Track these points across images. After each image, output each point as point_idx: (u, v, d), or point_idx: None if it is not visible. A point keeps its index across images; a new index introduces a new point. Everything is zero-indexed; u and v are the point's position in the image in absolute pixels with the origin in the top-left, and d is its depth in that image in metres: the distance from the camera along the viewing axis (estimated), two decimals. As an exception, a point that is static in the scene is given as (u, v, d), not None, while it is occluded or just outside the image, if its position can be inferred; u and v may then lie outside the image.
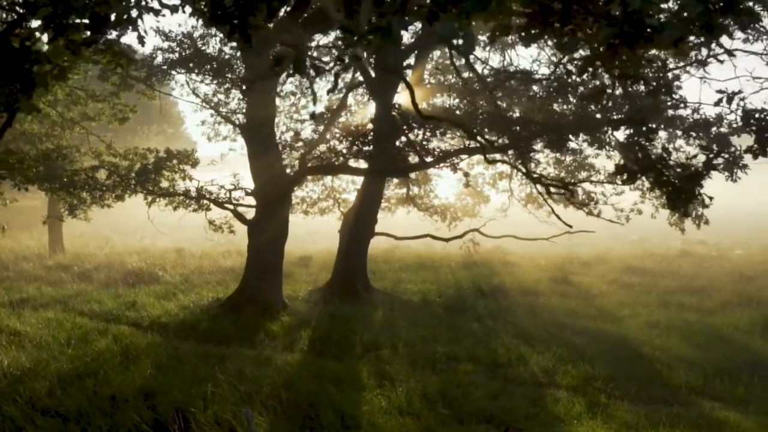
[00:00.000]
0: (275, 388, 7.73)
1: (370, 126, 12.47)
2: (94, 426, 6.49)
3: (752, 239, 29.61)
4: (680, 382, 8.71)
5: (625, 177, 4.05)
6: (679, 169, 3.79)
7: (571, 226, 12.85)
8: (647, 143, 3.65)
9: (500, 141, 10.62)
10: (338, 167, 12.87)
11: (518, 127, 10.03)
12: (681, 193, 3.62)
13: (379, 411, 7.14)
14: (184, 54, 14.41)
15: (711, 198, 15.49)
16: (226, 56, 14.27)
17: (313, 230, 29.72)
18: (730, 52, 6.82)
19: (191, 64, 14.32)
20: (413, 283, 17.33)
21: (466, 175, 12.42)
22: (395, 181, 21.58)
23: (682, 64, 10.26)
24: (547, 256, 22.22)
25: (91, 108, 15.69)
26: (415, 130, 11.80)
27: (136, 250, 22.42)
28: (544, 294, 15.68)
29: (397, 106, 12.00)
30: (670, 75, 12.48)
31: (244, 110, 13.93)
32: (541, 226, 19.54)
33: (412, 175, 20.64)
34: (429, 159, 11.19)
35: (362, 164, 14.65)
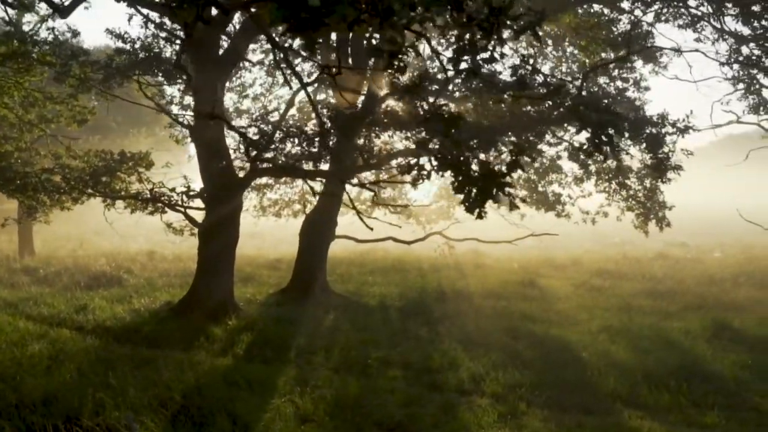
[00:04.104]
0: (185, 394, 7.60)
1: (315, 127, 12.34)
2: (-21, 434, 6.36)
3: (738, 241, 29.21)
4: (608, 389, 8.51)
5: (415, 176, 3.87)
6: (477, 168, 3.62)
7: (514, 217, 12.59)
8: (448, 140, 3.48)
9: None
10: (288, 169, 12.74)
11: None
12: (482, 193, 3.46)
13: (281, 418, 7.00)
14: (138, 56, 14.38)
15: (670, 207, 15.33)
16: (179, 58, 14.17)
17: (296, 233, 29.62)
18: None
19: (146, 67, 14.29)
20: (378, 285, 17.16)
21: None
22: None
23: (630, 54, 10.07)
24: (522, 259, 22.01)
25: (49, 110, 15.64)
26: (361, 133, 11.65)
27: (105, 252, 22.36)
28: (506, 297, 15.46)
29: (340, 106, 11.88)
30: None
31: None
32: (515, 229, 19.39)
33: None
34: (373, 161, 11.03)
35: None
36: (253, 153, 11.92)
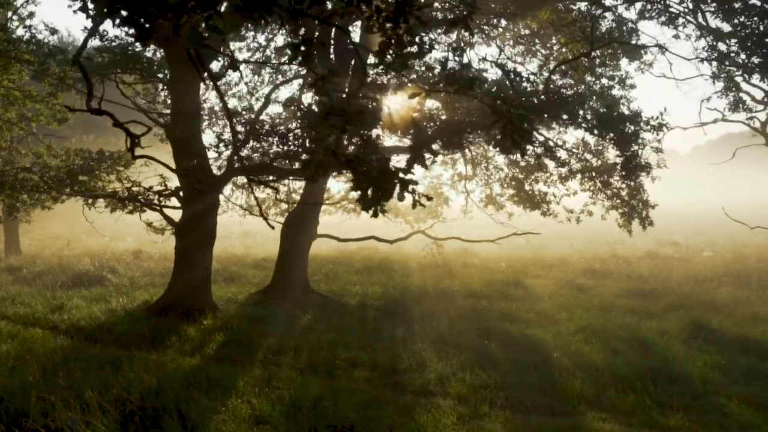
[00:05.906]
0: (143, 395, 7.51)
1: (295, 124, 12.25)
2: None
3: (731, 240, 28.98)
4: (574, 391, 8.38)
5: (312, 172, 3.76)
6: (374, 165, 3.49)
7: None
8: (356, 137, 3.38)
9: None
10: (265, 167, 12.64)
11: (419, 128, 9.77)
12: (381, 192, 3.36)
13: (235, 419, 6.89)
14: (117, 55, 14.29)
15: (653, 206, 15.15)
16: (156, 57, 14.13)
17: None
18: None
19: (123, 66, 14.20)
20: (362, 285, 17.07)
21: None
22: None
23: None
24: (510, 259, 21.87)
25: (29, 108, 15.56)
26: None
27: (91, 252, 22.29)
28: (488, 297, 15.34)
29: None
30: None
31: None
32: (503, 229, 19.27)
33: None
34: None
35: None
36: (229, 151, 11.79)
